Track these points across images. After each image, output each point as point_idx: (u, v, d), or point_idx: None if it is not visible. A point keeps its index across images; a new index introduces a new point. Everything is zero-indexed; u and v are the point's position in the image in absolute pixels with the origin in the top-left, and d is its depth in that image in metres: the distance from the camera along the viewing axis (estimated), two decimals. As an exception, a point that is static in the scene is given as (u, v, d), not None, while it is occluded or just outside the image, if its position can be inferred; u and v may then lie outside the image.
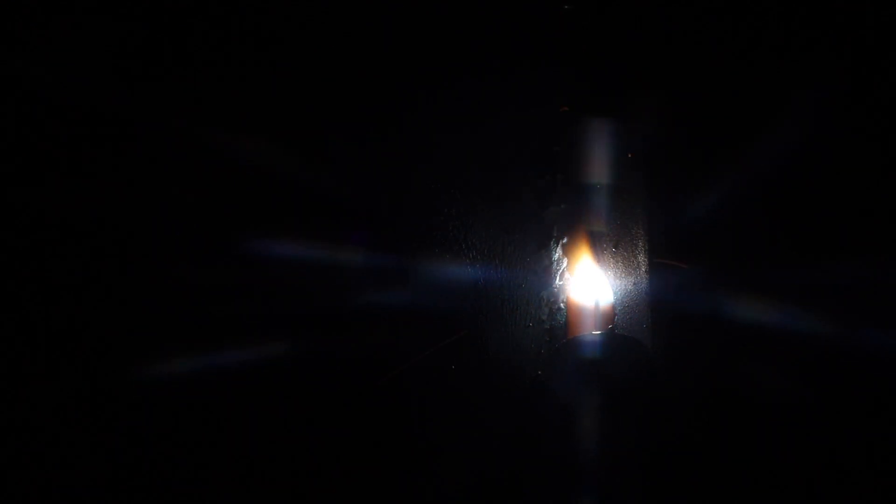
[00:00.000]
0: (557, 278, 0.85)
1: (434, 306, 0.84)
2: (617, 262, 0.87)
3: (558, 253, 0.86)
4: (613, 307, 0.84)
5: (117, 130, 0.81)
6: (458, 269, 0.85)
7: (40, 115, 0.79)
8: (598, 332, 0.79)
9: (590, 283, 0.84)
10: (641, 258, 0.86)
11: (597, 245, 0.85)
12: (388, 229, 0.85)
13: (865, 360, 0.77)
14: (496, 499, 0.81)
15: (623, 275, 0.86)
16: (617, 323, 0.84)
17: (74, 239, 0.80)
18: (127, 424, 0.79)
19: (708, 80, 0.83)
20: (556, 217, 0.86)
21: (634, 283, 0.86)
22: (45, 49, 0.78)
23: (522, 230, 0.85)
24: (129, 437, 0.79)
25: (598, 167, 0.85)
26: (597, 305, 0.82)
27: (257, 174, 0.82)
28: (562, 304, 0.85)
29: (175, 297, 0.81)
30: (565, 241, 0.86)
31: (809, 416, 0.78)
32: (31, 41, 0.77)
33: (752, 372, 0.81)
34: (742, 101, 0.82)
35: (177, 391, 0.79)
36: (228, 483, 0.81)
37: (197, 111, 0.82)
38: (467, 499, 0.82)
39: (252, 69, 0.82)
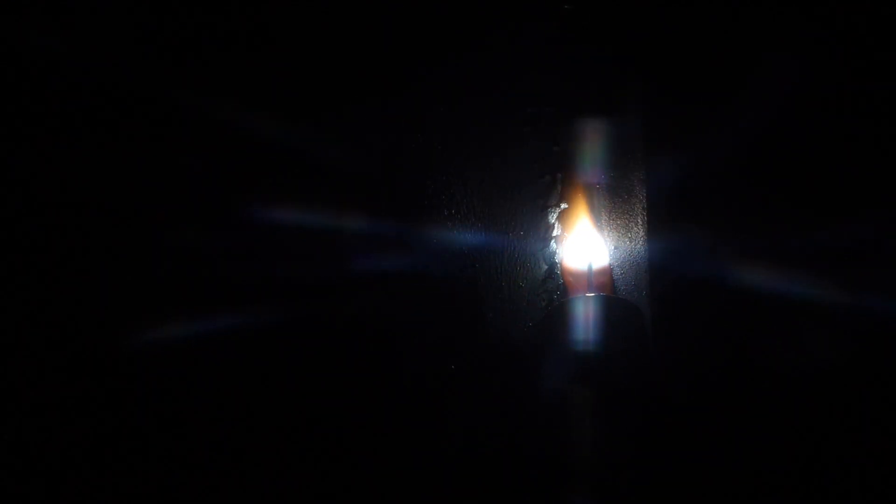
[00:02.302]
0: (553, 243, 0.86)
1: (429, 273, 0.85)
2: (614, 225, 0.86)
3: (555, 217, 0.87)
4: (610, 271, 0.83)
5: (118, 98, 0.82)
6: (453, 235, 0.86)
7: (44, 84, 0.81)
8: (593, 295, 0.76)
9: (586, 247, 0.83)
10: (640, 221, 0.85)
11: (594, 207, 0.85)
12: (384, 195, 0.85)
13: (873, 326, 0.75)
14: (487, 467, 0.81)
15: (621, 239, 0.86)
16: (615, 287, 0.82)
17: (74, 202, 0.82)
18: (120, 389, 0.80)
19: (701, 38, 0.83)
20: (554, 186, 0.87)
21: (632, 248, 0.85)
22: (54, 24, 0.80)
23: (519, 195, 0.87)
24: (123, 401, 0.80)
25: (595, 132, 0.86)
26: (592, 270, 0.80)
27: (252, 140, 0.83)
28: (557, 269, 0.85)
29: (168, 261, 0.81)
30: (562, 205, 0.86)
31: (816, 384, 0.76)
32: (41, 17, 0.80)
33: (757, 339, 0.79)
34: (736, 59, 0.81)
35: (171, 355, 0.80)
36: (222, 447, 0.81)
37: (196, 79, 0.83)
38: (459, 470, 0.82)
39: (247, 38, 0.84)
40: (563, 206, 0.88)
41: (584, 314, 0.74)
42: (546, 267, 0.87)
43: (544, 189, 0.87)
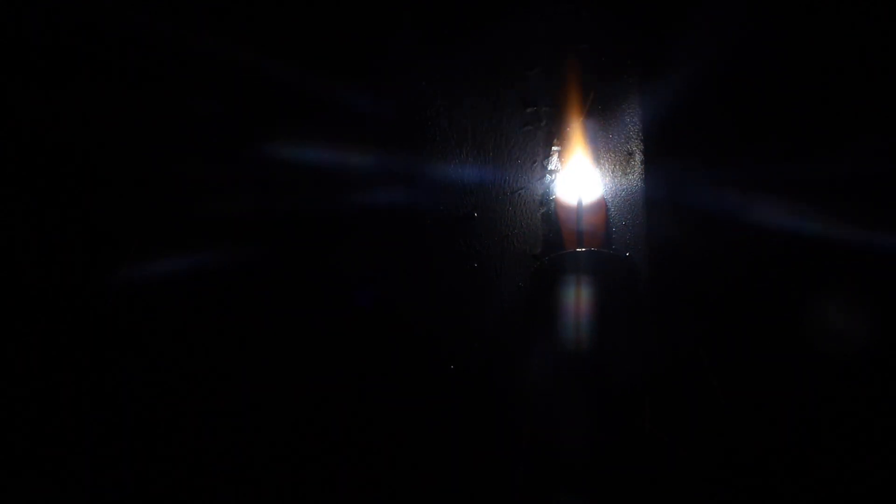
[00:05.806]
0: (550, 180, 0.85)
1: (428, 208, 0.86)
2: (610, 159, 0.84)
3: (552, 156, 0.86)
4: (605, 207, 0.80)
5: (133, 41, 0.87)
6: (450, 171, 0.87)
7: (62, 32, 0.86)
8: (584, 251, 0.74)
9: (582, 183, 0.81)
10: (636, 155, 0.83)
11: (590, 141, 0.83)
12: (386, 133, 0.88)
13: (879, 262, 0.72)
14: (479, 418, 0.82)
15: (616, 173, 0.84)
16: (609, 228, 0.79)
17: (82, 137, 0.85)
18: (118, 321, 0.82)
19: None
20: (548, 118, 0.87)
21: (629, 182, 0.83)
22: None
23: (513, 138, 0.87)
24: (119, 337, 0.83)
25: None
26: (583, 207, 0.78)
27: (260, 79, 0.87)
28: (552, 210, 0.83)
29: (172, 194, 0.85)
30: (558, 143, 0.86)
31: (827, 330, 0.74)
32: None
33: (758, 276, 0.76)
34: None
35: (174, 286, 0.83)
36: (219, 377, 0.84)
37: (208, 25, 0.88)
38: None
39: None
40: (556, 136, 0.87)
41: (574, 274, 0.72)
42: (541, 203, 0.85)
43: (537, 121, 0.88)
